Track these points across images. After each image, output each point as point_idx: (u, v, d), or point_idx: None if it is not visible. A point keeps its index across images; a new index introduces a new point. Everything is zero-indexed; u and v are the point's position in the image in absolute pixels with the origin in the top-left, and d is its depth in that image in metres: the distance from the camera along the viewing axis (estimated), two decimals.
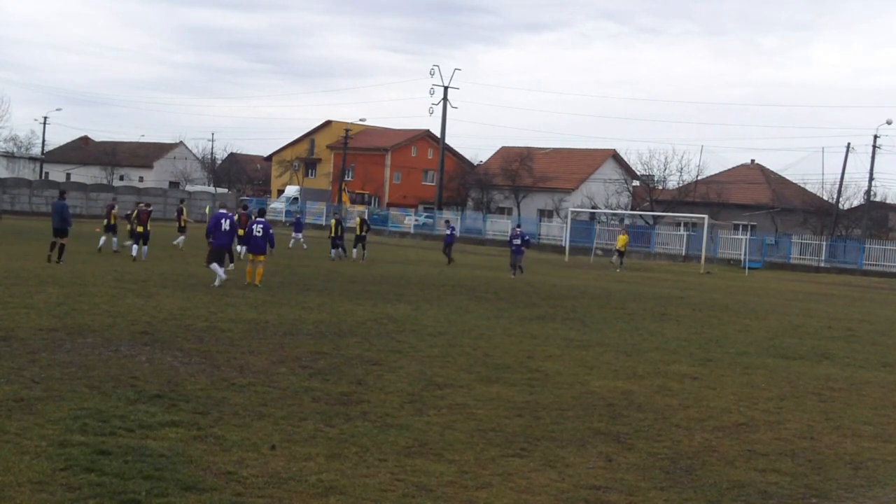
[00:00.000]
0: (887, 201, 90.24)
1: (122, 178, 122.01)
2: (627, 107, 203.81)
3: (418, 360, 15.57)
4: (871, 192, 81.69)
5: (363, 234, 43.60)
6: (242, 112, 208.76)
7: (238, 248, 41.45)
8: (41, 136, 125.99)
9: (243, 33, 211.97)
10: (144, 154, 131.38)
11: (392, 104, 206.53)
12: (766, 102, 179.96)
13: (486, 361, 15.98)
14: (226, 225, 26.46)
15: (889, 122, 76.85)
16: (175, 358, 14.27)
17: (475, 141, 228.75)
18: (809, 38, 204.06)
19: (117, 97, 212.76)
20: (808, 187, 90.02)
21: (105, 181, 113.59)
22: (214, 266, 25.97)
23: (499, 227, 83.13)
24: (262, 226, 27.56)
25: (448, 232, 46.97)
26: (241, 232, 41.80)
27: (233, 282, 27.19)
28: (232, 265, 31.13)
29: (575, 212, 78.05)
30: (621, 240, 55.83)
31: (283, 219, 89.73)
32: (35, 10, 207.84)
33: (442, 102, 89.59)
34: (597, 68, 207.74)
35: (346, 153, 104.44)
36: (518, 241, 40.35)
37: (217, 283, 25.52)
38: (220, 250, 26.36)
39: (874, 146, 77.49)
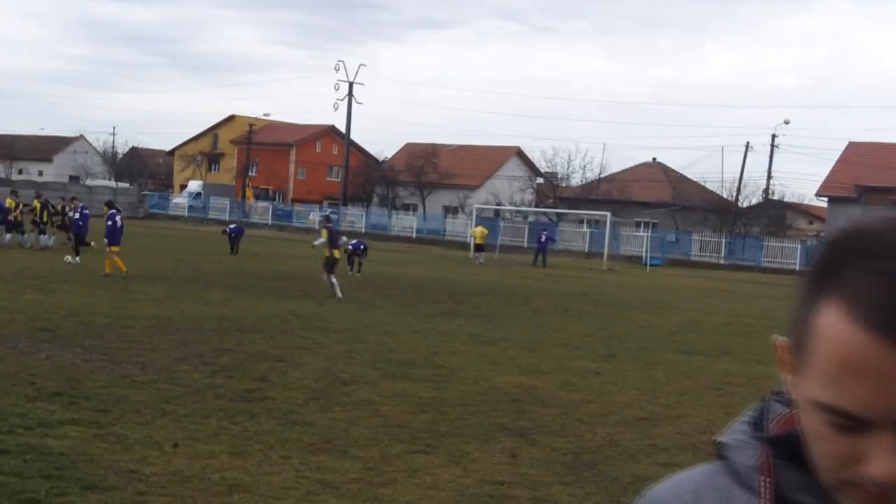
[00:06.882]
0: (785, 199, 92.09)
1: (20, 172, 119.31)
2: (529, 105, 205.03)
3: (323, 357, 15.53)
4: (770, 191, 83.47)
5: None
6: (142, 106, 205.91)
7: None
8: None
9: (139, 26, 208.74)
10: (44, 148, 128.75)
11: (294, 100, 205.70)
12: (664, 101, 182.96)
13: (391, 358, 15.99)
14: None
15: (787, 122, 78.82)
16: (75, 355, 14.03)
17: (380, 136, 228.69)
18: (702, 39, 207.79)
19: (14, 89, 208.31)
20: (708, 185, 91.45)
21: (3, 175, 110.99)
22: None
23: (405, 223, 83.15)
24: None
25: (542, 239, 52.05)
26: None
27: (132, 278, 26.87)
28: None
29: (480, 209, 78.33)
30: (478, 232, 55.26)
31: (186, 214, 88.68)
32: None
33: (347, 98, 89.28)
34: (497, 66, 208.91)
35: (249, 148, 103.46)
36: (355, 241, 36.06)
37: None
38: None
39: (772, 145, 79.19)
